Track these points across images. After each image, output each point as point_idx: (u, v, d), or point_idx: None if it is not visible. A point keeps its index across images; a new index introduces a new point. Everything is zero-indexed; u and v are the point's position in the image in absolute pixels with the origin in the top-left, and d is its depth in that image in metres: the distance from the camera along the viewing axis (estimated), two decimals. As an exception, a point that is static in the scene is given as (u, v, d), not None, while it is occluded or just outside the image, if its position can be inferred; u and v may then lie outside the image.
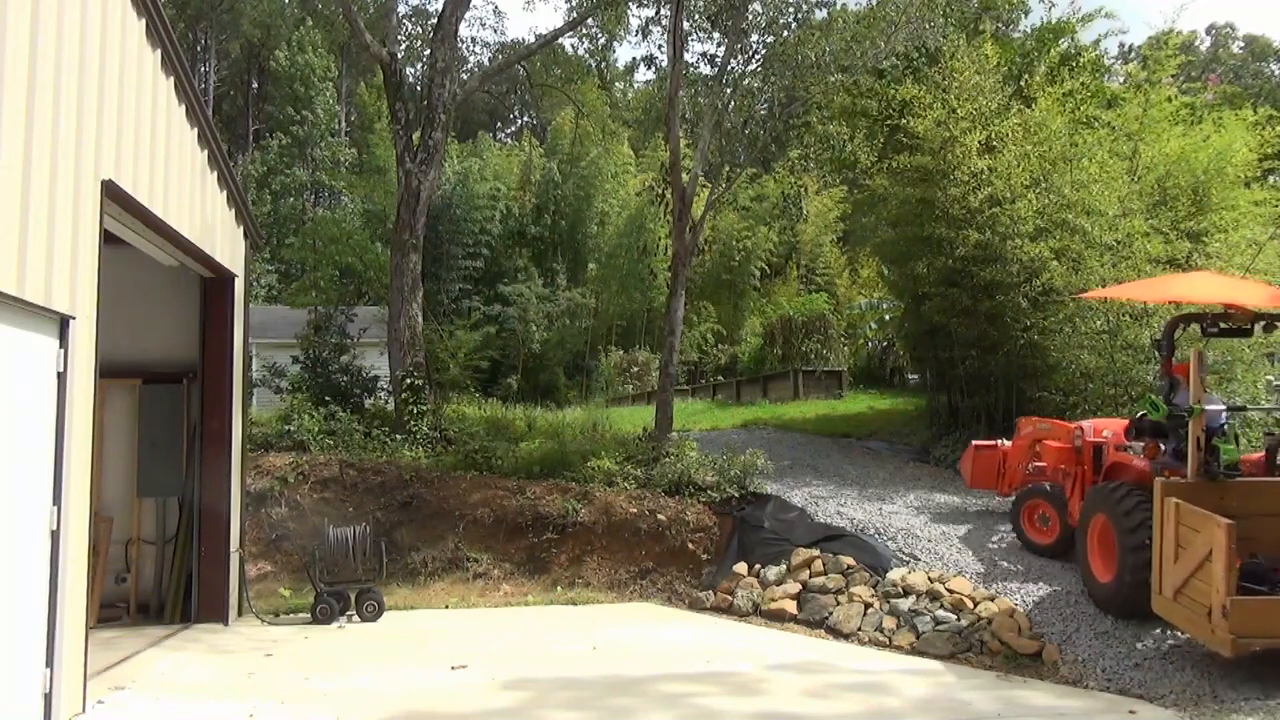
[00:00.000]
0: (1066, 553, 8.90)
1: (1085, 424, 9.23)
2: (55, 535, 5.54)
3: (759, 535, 10.44)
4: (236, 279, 9.31)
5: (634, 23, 17.84)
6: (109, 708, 6.08)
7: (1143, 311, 11.19)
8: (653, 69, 16.97)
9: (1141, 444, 8.07)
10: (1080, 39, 16.45)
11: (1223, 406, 7.65)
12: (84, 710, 5.85)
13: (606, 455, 12.04)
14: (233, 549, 9.05)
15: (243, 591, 9.27)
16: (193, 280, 9.11)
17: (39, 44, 5.28)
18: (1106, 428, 8.95)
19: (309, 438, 12.66)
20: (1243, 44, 53.72)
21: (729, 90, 14.49)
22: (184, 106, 7.80)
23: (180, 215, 7.63)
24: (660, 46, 15.66)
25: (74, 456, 5.74)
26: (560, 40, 19.36)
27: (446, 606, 9.88)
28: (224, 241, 8.92)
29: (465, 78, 18.58)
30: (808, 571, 9.62)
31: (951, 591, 8.56)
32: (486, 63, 28.13)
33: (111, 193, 6.23)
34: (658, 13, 15.13)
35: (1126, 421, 8.80)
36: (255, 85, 56.66)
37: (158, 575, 9.10)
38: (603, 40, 20.05)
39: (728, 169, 16.29)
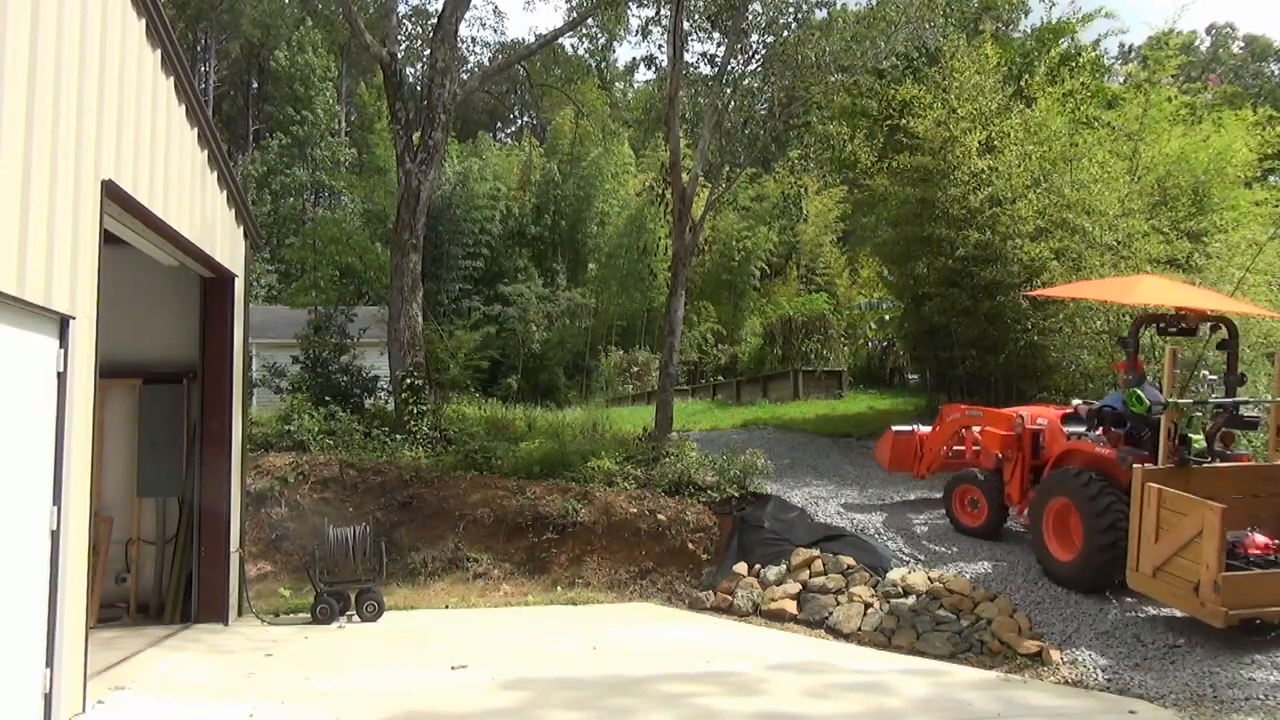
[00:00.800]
0: (994, 534, 9.61)
1: (1023, 411, 9.73)
2: (55, 535, 5.54)
3: (759, 535, 10.44)
4: (236, 279, 9.31)
5: (634, 23, 17.80)
6: (109, 708, 6.07)
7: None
8: (653, 69, 16.97)
9: (1095, 432, 8.56)
10: (1080, 39, 16.47)
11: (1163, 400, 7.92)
12: (84, 710, 5.84)
13: (606, 455, 12.04)
14: (233, 549, 9.04)
15: (243, 591, 9.26)
16: (193, 280, 9.11)
17: (39, 44, 5.28)
18: (1040, 415, 9.50)
19: (309, 438, 12.67)
20: (1243, 44, 53.71)
21: (729, 90, 14.49)
22: (184, 106, 7.79)
23: (180, 215, 7.62)
24: (660, 46, 15.68)
25: (74, 456, 5.73)
26: (560, 40, 19.38)
27: (446, 606, 9.88)
28: (224, 241, 8.92)
29: (465, 78, 18.56)
30: (808, 571, 9.62)
31: (951, 591, 8.56)
32: (486, 63, 28.09)
33: (111, 193, 6.23)
34: (658, 13, 15.14)
35: (1057, 410, 9.47)
36: (255, 85, 56.66)
37: (158, 575, 9.10)
38: (603, 40, 20.07)
39: (728, 169, 16.28)
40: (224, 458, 9.03)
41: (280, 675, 7.06)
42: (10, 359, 5.18)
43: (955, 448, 10.63)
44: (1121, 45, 44.83)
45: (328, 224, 29.54)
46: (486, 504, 11.26)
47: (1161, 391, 7.83)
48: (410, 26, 44.22)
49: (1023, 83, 14.65)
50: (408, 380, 14.00)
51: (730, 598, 9.67)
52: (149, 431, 9.09)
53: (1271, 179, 15.91)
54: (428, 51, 18.79)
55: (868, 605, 8.83)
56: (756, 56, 14.66)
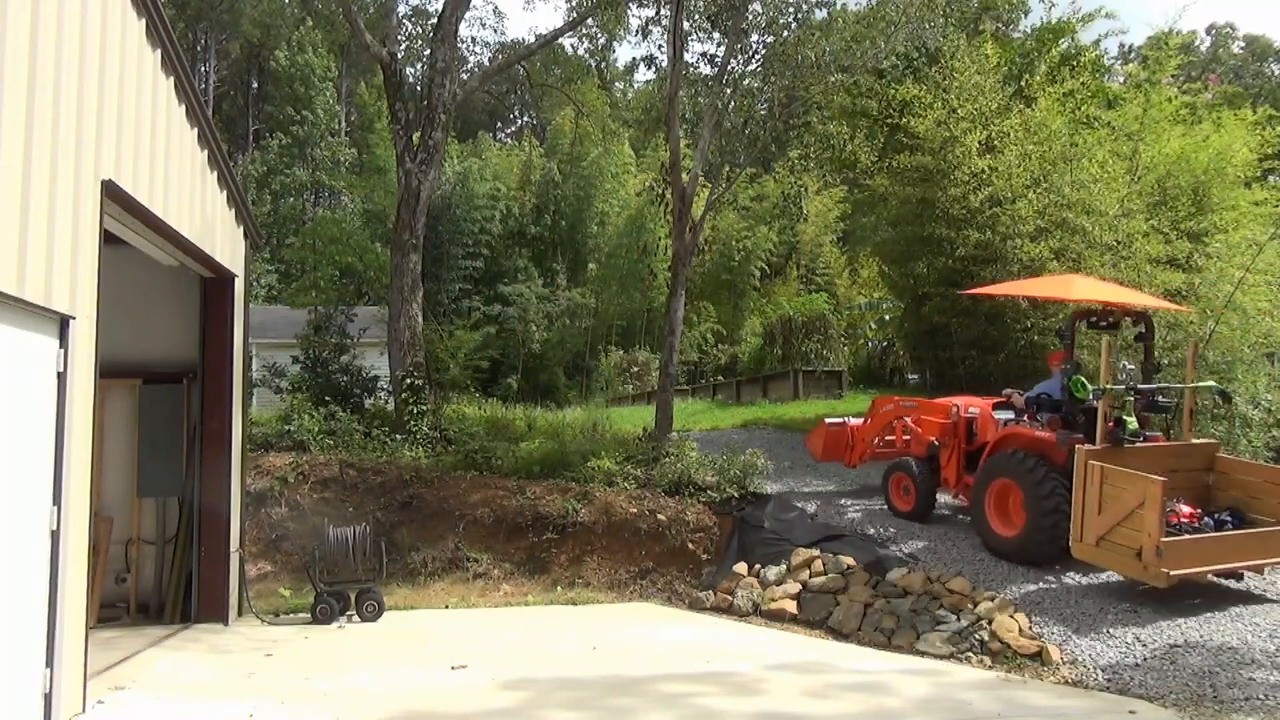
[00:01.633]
0: (923, 517, 10.27)
1: (958, 401, 10.49)
2: (55, 535, 5.53)
3: (759, 535, 10.43)
4: (236, 279, 9.30)
5: (634, 23, 17.82)
6: (109, 708, 6.07)
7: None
8: (653, 69, 16.97)
9: (1025, 417, 9.36)
10: (1080, 39, 16.50)
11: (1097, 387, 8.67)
12: (84, 710, 5.84)
13: (606, 455, 12.04)
14: (233, 549, 9.04)
15: (243, 591, 9.26)
16: (193, 280, 9.10)
17: (39, 44, 5.28)
18: (973, 404, 10.28)
19: (309, 438, 12.66)
20: (1243, 44, 53.74)
21: (729, 90, 14.48)
22: (184, 106, 7.79)
23: (180, 215, 7.62)
24: (660, 46, 15.67)
25: (74, 456, 5.73)
26: (560, 40, 19.38)
27: (446, 606, 9.87)
28: (224, 241, 8.91)
29: (465, 78, 18.58)
30: (808, 571, 9.62)
31: (951, 591, 8.56)
32: (486, 62, 28.16)
33: (111, 192, 6.22)
34: (658, 13, 15.13)
35: (985, 400, 10.26)
36: (255, 85, 56.65)
37: (158, 575, 9.09)
38: (603, 40, 20.07)
39: (728, 169, 16.28)
40: (224, 458, 9.02)
41: (280, 675, 7.05)
42: (10, 359, 5.17)
43: (886, 438, 11.28)
44: (1121, 45, 44.92)
45: (328, 224, 29.50)
46: (486, 504, 11.26)
47: (1090, 380, 8.65)
48: (410, 26, 44.31)
49: (1023, 83, 14.67)
50: (408, 380, 14.00)
51: (730, 598, 9.66)
52: (149, 431, 9.08)
53: (1271, 179, 15.91)
54: (428, 51, 18.80)
55: (867, 605, 8.82)
56: (756, 56, 14.66)
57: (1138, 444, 8.49)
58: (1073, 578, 8.56)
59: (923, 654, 7.93)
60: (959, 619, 8.20)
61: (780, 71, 14.01)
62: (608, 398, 24.61)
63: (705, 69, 14.95)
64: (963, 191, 12.91)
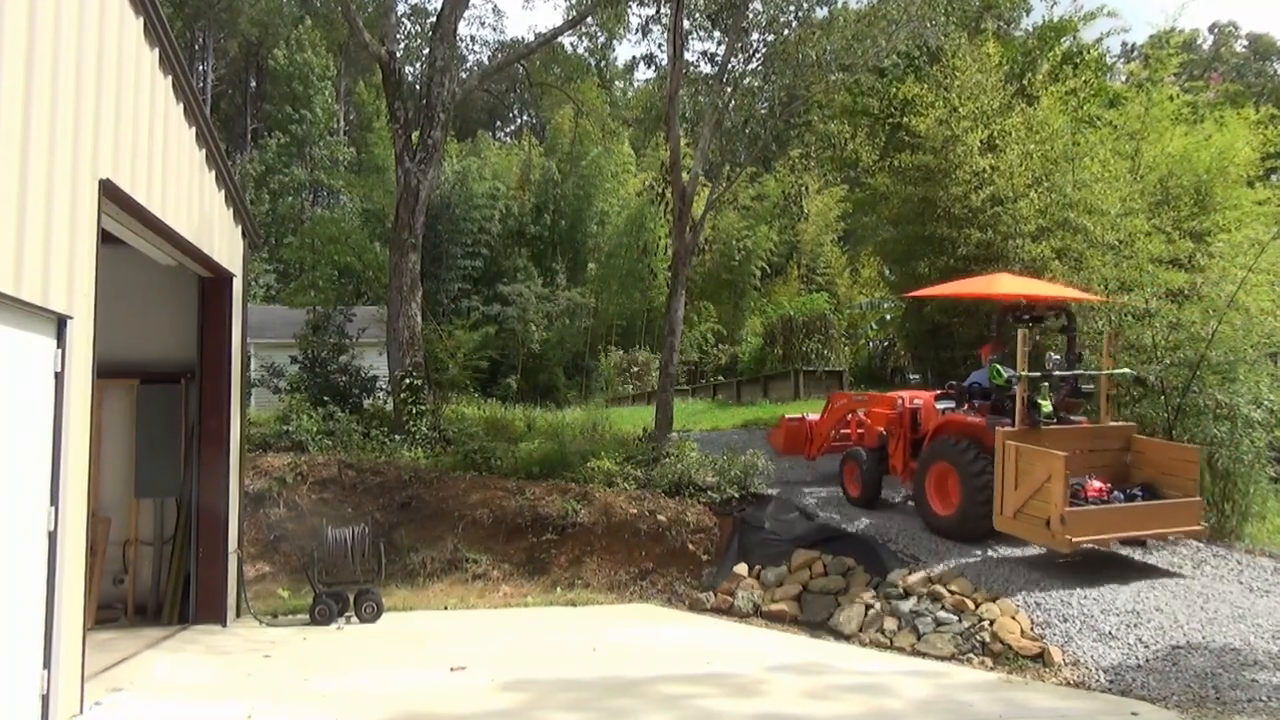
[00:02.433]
0: (870, 504, 10.83)
1: (903, 394, 11.29)
2: (53, 536, 5.51)
3: (759, 536, 10.41)
4: (234, 278, 9.27)
5: (634, 21, 17.75)
6: (107, 709, 6.04)
7: (1145, 312, 11.19)
8: (653, 68, 16.95)
9: (962, 407, 10.01)
10: (1082, 38, 16.48)
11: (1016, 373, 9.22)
12: (81, 711, 5.81)
13: (606, 455, 12.01)
14: (231, 550, 9.01)
15: (241, 592, 9.23)
16: (191, 280, 9.07)
17: (36, 42, 5.24)
18: (917, 397, 10.97)
19: (307, 438, 12.63)
20: (1245, 42, 53.72)
21: (729, 89, 14.44)
22: (182, 105, 7.76)
23: (178, 214, 7.59)
24: (660, 45, 15.64)
25: (71, 457, 5.70)
26: (560, 39, 19.35)
27: (446, 607, 9.85)
28: (222, 241, 8.88)
29: (464, 76, 18.51)
30: (808, 572, 9.59)
31: (952, 592, 8.53)
32: (486, 61, 28.10)
33: (109, 192, 6.19)
34: (658, 11, 15.09)
35: (928, 393, 10.95)
36: (253, 84, 56.62)
37: (155, 576, 9.06)
38: (602, 39, 20.08)
39: (728, 168, 16.23)
40: (222, 458, 8.99)
41: (279, 676, 7.03)
42: (7, 359, 5.14)
43: (841, 431, 11.97)
44: (1124, 44, 44.77)
45: (326, 223, 29.47)
46: (486, 504, 11.23)
47: (1014, 369, 9.23)
48: (409, 25, 44.23)
49: (1024, 81, 14.65)
50: (407, 380, 13.97)
51: (731, 598, 9.64)
52: (147, 432, 9.05)
53: (1274, 178, 15.90)
54: (427, 50, 18.75)
55: (868, 606, 8.79)
56: (757, 55, 14.61)
57: (1054, 425, 9.09)
58: (1080, 589, 8.43)
59: (924, 655, 7.91)
60: (960, 620, 8.18)
61: (781, 70, 13.97)
62: (607, 398, 24.57)
63: (706, 68, 14.94)
64: (964, 190, 12.89)
